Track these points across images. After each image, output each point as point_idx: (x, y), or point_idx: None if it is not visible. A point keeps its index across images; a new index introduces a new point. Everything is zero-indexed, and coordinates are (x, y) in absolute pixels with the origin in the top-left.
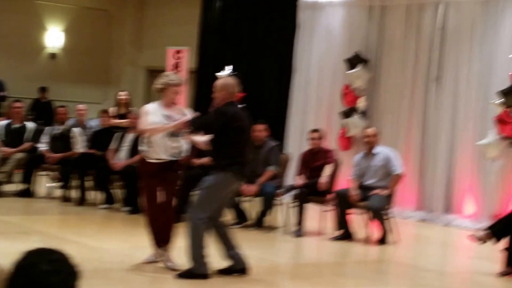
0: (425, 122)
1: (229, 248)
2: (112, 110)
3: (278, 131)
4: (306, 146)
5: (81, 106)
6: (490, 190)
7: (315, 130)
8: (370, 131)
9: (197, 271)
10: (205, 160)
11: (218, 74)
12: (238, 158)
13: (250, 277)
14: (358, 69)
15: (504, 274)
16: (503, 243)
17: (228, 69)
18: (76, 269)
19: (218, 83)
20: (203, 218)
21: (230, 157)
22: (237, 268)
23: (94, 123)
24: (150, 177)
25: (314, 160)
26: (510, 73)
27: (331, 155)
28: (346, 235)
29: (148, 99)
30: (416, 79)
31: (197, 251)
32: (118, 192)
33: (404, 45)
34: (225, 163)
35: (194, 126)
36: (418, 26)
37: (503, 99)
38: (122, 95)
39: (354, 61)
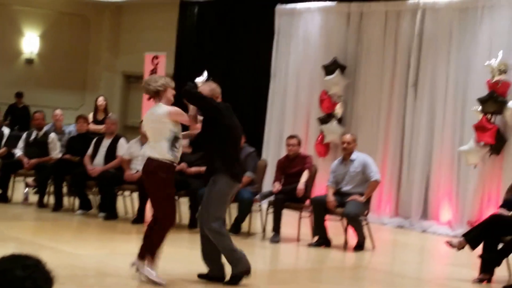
0: (403, 128)
1: (213, 255)
2: (90, 115)
3: (255, 137)
4: (283, 152)
5: (58, 112)
6: (467, 196)
7: (292, 136)
8: (347, 137)
9: (239, 272)
10: (180, 166)
11: (196, 79)
12: (235, 158)
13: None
14: (335, 75)
15: (480, 280)
16: (479, 250)
17: (205, 74)
18: (51, 275)
19: (204, 88)
20: (219, 224)
21: (228, 159)
22: (217, 276)
23: (71, 128)
24: (174, 184)
25: (291, 166)
26: (487, 80)
27: (308, 161)
28: (323, 241)
29: (125, 105)
30: (394, 85)
31: (231, 254)
32: (94, 198)
33: (382, 51)
34: (224, 166)
35: (189, 96)
36: (396, 32)
37: (481, 107)
38: (101, 100)
39: (331, 67)
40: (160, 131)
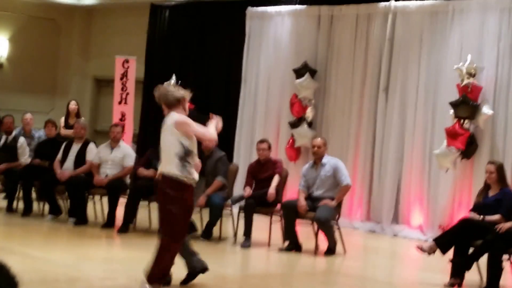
0: (374, 132)
1: (191, 255)
2: (61, 120)
3: (226, 141)
4: (254, 157)
5: (27, 116)
6: (438, 201)
7: (262, 141)
8: (318, 141)
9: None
10: (150, 172)
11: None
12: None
13: (197, 287)
14: (305, 78)
15: (451, 285)
16: (450, 254)
17: (173, 79)
18: (15, 279)
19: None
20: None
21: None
22: (198, 270)
23: (40, 133)
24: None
25: (262, 171)
26: (456, 84)
27: (279, 165)
28: (293, 246)
29: (95, 109)
30: (365, 89)
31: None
32: (64, 203)
33: (353, 55)
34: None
35: None
36: (367, 36)
37: (454, 111)
38: (73, 104)
39: (302, 71)
40: (169, 144)
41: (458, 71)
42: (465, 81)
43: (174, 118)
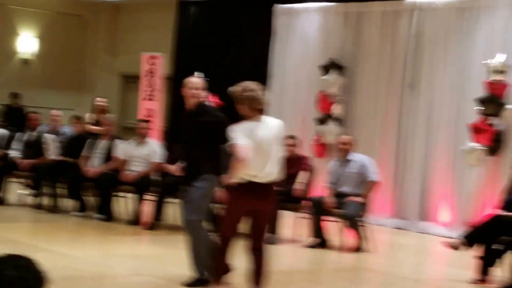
0: (400, 129)
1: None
2: (88, 116)
3: None
4: None
5: (55, 112)
6: (465, 197)
7: (290, 137)
8: (345, 138)
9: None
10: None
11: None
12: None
13: (222, 284)
14: (331, 75)
15: (478, 281)
16: (478, 251)
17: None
18: (43, 276)
19: (200, 82)
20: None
21: (217, 161)
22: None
23: (67, 129)
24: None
25: (289, 167)
26: (484, 80)
27: (306, 162)
28: (321, 242)
29: (122, 105)
30: (391, 86)
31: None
32: (90, 200)
33: (380, 51)
34: (214, 167)
35: None
36: (393, 33)
37: (480, 107)
38: (100, 101)
39: (329, 68)
40: (276, 150)
41: (486, 67)
42: (493, 78)
43: (280, 124)
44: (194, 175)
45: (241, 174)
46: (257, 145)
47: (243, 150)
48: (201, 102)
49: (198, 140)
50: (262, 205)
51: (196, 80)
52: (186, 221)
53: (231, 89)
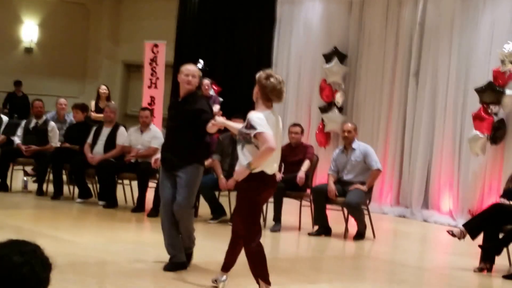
0: (404, 117)
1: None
2: (92, 103)
3: None
4: (285, 141)
5: (62, 100)
6: (468, 186)
7: (295, 124)
8: (348, 126)
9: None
10: None
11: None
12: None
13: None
14: (334, 63)
15: (480, 269)
16: (480, 239)
17: (201, 63)
18: (48, 261)
19: (196, 70)
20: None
21: (205, 148)
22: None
23: (72, 117)
24: None
25: (293, 154)
26: (493, 69)
27: (310, 151)
28: (323, 230)
29: (125, 93)
30: (395, 74)
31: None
32: (94, 186)
33: (384, 40)
34: (201, 154)
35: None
36: (397, 21)
37: (479, 97)
38: (103, 89)
39: (332, 56)
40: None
41: (501, 56)
42: (508, 67)
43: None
44: (179, 162)
45: (263, 164)
46: (274, 136)
47: (272, 140)
48: (194, 91)
49: (184, 127)
50: (270, 196)
51: (193, 67)
52: (181, 206)
53: (260, 72)
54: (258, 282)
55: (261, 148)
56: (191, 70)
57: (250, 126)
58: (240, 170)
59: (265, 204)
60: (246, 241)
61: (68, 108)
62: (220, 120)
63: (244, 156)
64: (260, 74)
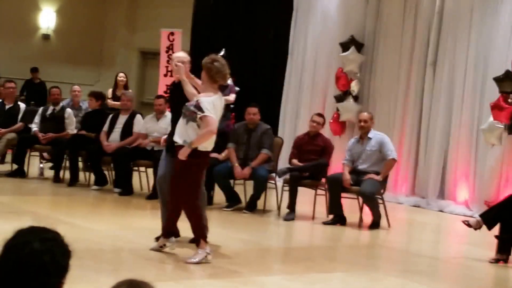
0: (421, 107)
1: None
2: (110, 91)
3: (272, 114)
4: (299, 130)
5: (76, 87)
6: (485, 176)
7: (320, 115)
8: (364, 115)
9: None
10: None
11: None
12: None
13: (241, 260)
14: (350, 52)
15: (496, 260)
16: (496, 230)
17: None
18: (68, 248)
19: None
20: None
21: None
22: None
23: (87, 104)
24: None
25: (309, 143)
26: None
27: (327, 140)
28: (338, 219)
29: (141, 81)
30: (412, 64)
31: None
32: (110, 174)
33: (401, 29)
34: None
35: None
36: (415, 9)
37: (498, 86)
38: (121, 76)
39: (349, 45)
40: None
41: None
42: None
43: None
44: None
45: (203, 144)
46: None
47: (215, 123)
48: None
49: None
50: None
51: (181, 54)
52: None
53: (205, 58)
54: (199, 242)
55: (202, 129)
56: (180, 57)
57: (198, 108)
58: (183, 150)
59: (280, 193)
60: (189, 206)
61: (84, 95)
62: (182, 69)
63: (186, 132)
64: (206, 59)
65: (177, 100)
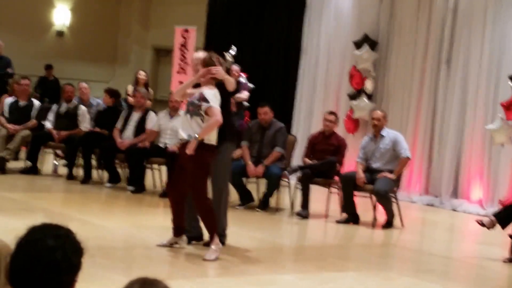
0: (434, 105)
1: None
2: (129, 88)
3: (285, 112)
4: (313, 128)
5: (83, 85)
6: (499, 175)
7: (332, 113)
8: (378, 113)
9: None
10: None
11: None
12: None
13: (253, 258)
14: (364, 50)
15: (510, 260)
16: (510, 229)
17: (234, 49)
18: (81, 246)
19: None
20: None
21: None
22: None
23: (98, 101)
24: None
25: (324, 142)
26: None
27: (341, 138)
28: (351, 218)
29: (155, 78)
30: (426, 62)
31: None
32: (123, 171)
33: (415, 27)
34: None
35: None
36: (429, 7)
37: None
38: (142, 74)
39: (362, 43)
40: None
41: None
42: None
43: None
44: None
45: (209, 135)
46: None
47: (220, 114)
48: None
49: None
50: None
51: (196, 55)
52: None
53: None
54: (212, 237)
55: (209, 120)
56: (196, 59)
57: (203, 99)
58: (191, 144)
59: (292, 191)
60: (202, 201)
61: (96, 92)
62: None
63: (191, 127)
64: (205, 56)
65: None
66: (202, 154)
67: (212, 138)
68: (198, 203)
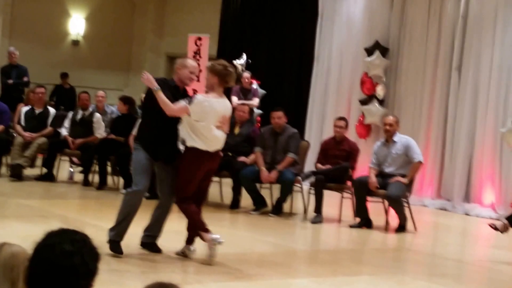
0: (446, 111)
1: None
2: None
3: (298, 118)
4: (325, 134)
5: (100, 93)
6: (510, 179)
7: (341, 118)
8: (390, 119)
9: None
10: None
11: (235, 62)
12: None
13: (267, 262)
14: (375, 57)
15: None
16: None
17: (244, 57)
18: (97, 251)
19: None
20: None
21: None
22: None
23: (113, 109)
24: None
25: (336, 148)
26: None
27: (353, 144)
28: (364, 222)
29: None
30: (437, 68)
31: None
32: None
33: (426, 34)
34: None
35: None
36: (440, 14)
37: None
38: None
39: (374, 49)
40: None
41: None
42: None
43: (229, 105)
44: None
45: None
46: (213, 118)
47: (179, 111)
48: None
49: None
50: (208, 167)
51: (195, 64)
52: None
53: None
54: (201, 236)
55: (172, 105)
56: (196, 68)
57: (189, 98)
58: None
59: (306, 196)
60: (179, 203)
61: (111, 99)
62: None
63: (181, 130)
64: (218, 63)
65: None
66: (185, 157)
67: (195, 142)
68: (177, 206)
